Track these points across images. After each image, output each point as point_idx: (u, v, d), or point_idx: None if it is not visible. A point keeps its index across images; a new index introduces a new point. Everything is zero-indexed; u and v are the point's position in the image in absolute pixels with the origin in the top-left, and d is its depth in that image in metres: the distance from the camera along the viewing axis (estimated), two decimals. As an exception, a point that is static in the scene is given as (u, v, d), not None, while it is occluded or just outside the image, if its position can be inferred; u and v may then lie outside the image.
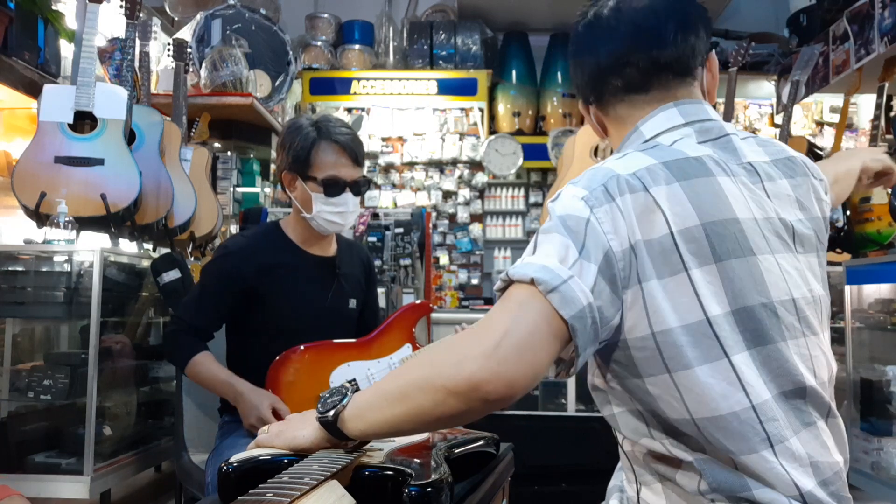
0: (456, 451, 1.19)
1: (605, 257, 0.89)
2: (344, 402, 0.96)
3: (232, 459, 0.99)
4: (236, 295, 1.86)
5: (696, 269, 0.91)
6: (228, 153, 3.99)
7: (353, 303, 2.01)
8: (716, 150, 1.01)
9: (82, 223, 2.42)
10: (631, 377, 0.95)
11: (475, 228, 5.83)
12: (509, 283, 0.90)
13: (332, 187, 1.84)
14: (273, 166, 4.23)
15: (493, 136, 5.64)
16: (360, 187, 1.89)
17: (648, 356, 0.93)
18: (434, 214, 5.75)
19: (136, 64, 2.97)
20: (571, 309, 0.85)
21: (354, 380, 1.86)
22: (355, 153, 1.87)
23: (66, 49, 3.12)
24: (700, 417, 0.91)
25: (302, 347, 1.83)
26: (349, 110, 5.72)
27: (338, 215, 1.87)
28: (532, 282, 0.86)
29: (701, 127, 1.03)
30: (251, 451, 1.02)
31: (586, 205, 0.92)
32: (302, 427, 1.01)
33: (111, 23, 3.48)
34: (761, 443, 0.91)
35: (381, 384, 0.96)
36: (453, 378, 0.84)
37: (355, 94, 5.64)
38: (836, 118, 5.32)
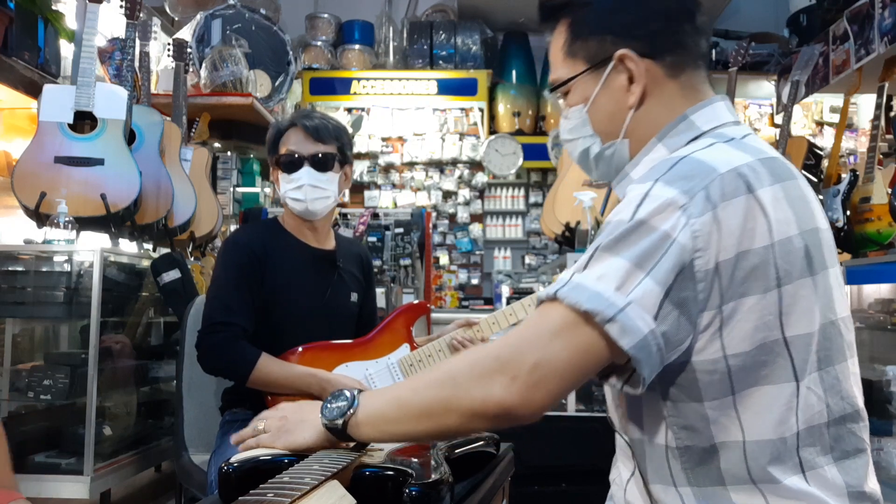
0: (456, 451, 1.19)
1: (679, 277, 0.80)
2: (353, 408, 0.94)
3: (232, 459, 0.99)
4: (256, 285, 1.82)
5: (790, 285, 0.83)
6: (228, 153, 3.99)
7: (354, 296, 2.00)
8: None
9: (82, 223, 2.42)
10: (689, 400, 0.87)
11: (475, 228, 5.83)
12: (553, 298, 0.84)
13: (288, 163, 1.84)
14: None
15: (493, 136, 5.64)
16: (322, 160, 1.83)
17: (716, 379, 0.85)
18: (434, 214, 5.74)
19: (136, 64, 2.97)
20: (632, 339, 0.79)
21: (355, 381, 1.86)
22: (316, 129, 1.83)
23: (66, 49, 3.12)
24: (751, 440, 0.85)
25: (300, 349, 1.83)
26: (349, 110, 5.71)
27: (297, 190, 1.82)
28: (585, 312, 0.80)
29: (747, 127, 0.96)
30: (252, 452, 1.02)
31: (683, 213, 0.81)
32: (302, 430, 1.00)
33: (111, 23, 3.48)
34: (793, 468, 0.86)
35: (399, 395, 0.94)
36: (482, 403, 0.83)
37: (355, 94, 5.64)
38: (836, 118, 5.31)
